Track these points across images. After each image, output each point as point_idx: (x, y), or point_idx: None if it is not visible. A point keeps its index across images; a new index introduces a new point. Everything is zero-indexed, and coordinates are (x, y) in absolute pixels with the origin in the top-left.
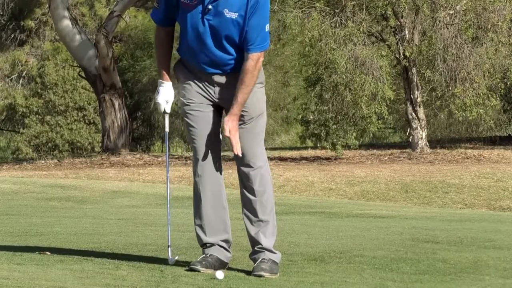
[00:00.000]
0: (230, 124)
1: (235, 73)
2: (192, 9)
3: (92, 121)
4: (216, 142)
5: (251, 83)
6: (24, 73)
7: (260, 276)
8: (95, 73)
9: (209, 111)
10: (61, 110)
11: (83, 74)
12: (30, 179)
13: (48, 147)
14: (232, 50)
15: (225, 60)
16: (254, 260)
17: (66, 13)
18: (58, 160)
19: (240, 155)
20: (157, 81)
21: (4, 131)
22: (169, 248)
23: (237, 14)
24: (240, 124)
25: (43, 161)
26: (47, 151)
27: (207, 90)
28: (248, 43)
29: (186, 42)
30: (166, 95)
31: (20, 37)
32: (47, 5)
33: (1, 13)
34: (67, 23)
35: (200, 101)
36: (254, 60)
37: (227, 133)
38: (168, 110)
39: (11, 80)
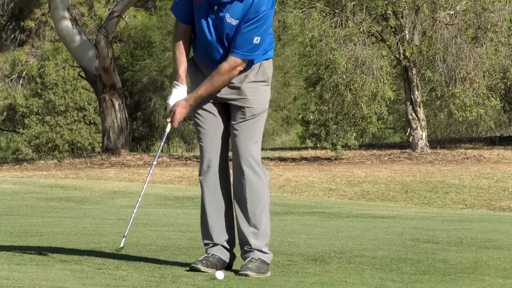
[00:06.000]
0: (177, 107)
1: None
2: (200, 5)
3: (92, 121)
4: (224, 143)
5: (217, 84)
6: (24, 73)
7: (245, 275)
8: (95, 73)
9: (216, 111)
10: (61, 110)
11: (83, 74)
12: (30, 179)
13: (48, 147)
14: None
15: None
16: (244, 260)
17: (66, 14)
18: (58, 160)
19: (175, 126)
20: (170, 83)
21: (4, 131)
22: (124, 238)
23: (238, 21)
24: (241, 121)
25: (43, 161)
26: (47, 151)
27: None
28: (233, 46)
29: (196, 38)
30: (178, 99)
31: (20, 37)
32: (47, 5)
33: (1, 13)
34: (67, 23)
35: (207, 100)
36: (231, 65)
37: (171, 112)
38: None
39: (11, 80)
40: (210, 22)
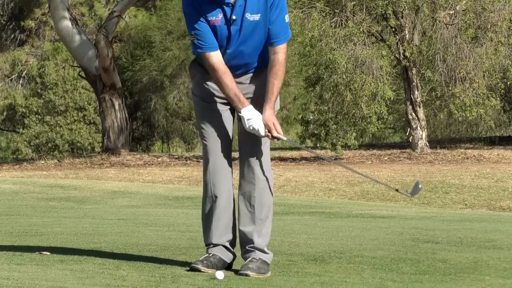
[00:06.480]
0: (273, 118)
1: (255, 71)
2: (219, 23)
3: (92, 121)
4: (227, 142)
5: (283, 74)
6: (24, 73)
7: (246, 275)
8: (95, 73)
9: (223, 110)
10: (61, 110)
11: (83, 74)
12: (30, 179)
13: (48, 147)
14: (258, 52)
15: (252, 63)
16: (245, 259)
17: (66, 14)
18: (58, 160)
19: (284, 138)
20: (238, 111)
21: (4, 131)
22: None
23: (259, 15)
24: None
25: (43, 161)
26: (47, 151)
27: None
28: (273, 38)
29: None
30: (258, 117)
31: (20, 37)
32: (47, 5)
33: (1, 13)
34: (67, 23)
35: (215, 100)
36: (283, 51)
37: (271, 126)
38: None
39: (11, 80)
40: (234, 34)
